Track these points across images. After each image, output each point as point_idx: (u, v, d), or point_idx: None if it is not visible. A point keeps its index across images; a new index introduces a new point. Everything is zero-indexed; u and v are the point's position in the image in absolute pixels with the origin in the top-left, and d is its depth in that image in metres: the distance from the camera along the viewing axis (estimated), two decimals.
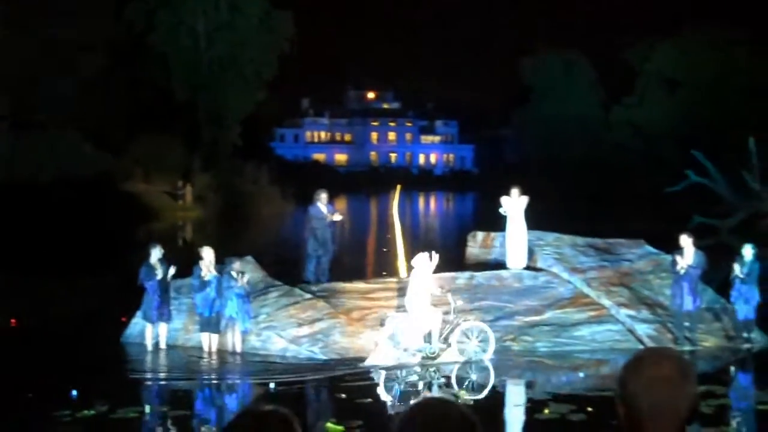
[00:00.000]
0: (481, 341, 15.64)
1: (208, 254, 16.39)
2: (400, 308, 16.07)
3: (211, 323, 16.06)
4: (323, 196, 18.12)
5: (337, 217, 18.63)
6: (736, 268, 16.64)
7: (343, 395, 13.18)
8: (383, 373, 14.63)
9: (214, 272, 16.16)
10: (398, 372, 14.75)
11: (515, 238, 18.31)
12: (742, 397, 13.82)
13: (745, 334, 16.71)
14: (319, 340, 15.84)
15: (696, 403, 2.61)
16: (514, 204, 18.24)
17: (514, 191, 18.32)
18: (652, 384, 2.59)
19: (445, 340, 15.46)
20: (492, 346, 15.60)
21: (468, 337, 15.63)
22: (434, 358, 15.26)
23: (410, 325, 15.26)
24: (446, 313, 15.64)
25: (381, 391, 13.69)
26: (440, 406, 2.47)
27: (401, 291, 17.62)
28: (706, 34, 69.52)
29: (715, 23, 69.68)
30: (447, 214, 71.48)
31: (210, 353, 15.97)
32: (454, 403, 2.50)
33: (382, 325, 15.57)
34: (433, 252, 15.79)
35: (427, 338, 15.35)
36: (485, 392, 13.74)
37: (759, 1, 71.10)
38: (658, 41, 72.34)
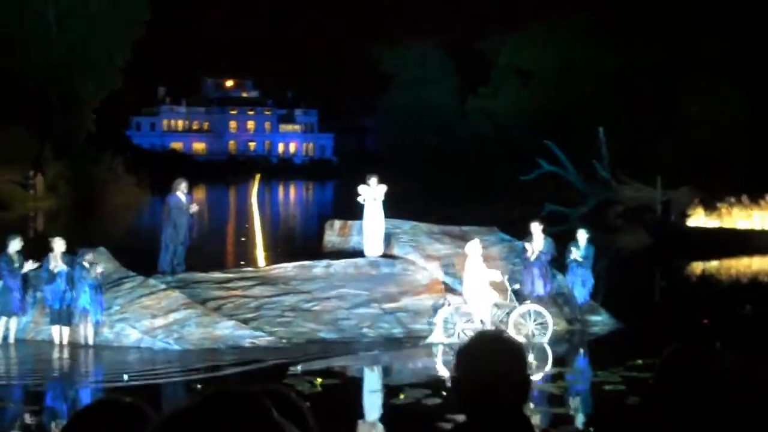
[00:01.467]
0: (538, 324, 16.21)
1: (58, 245, 15.95)
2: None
3: (62, 316, 15.65)
4: (183, 185, 17.76)
5: (194, 209, 18.37)
6: (574, 252, 17.18)
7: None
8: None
9: (63, 265, 15.72)
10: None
11: (372, 227, 18.46)
12: (586, 378, 14.28)
13: (581, 317, 17.30)
14: (174, 331, 15.63)
15: (528, 385, 2.69)
16: (371, 192, 18.37)
17: (372, 180, 18.47)
18: (484, 367, 2.66)
19: (502, 323, 16.07)
20: (551, 329, 16.19)
21: (525, 320, 16.21)
22: None
23: (465, 308, 16.13)
24: (503, 299, 16.40)
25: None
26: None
27: (259, 280, 17.59)
28: (554, 24, 71.18)
29: (561, 13, 71.36)
30: (306, 203, 71.44)
31: (61, 346, 15.58)
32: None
33: (440, 306, 16.35)
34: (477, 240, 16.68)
35: (482, 322, 15.94)
36: (338, 377, 13.79)
37: None
38: (509, 32, 73.72)
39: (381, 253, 18.56)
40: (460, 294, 16.54)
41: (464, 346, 2.77)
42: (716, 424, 2.74)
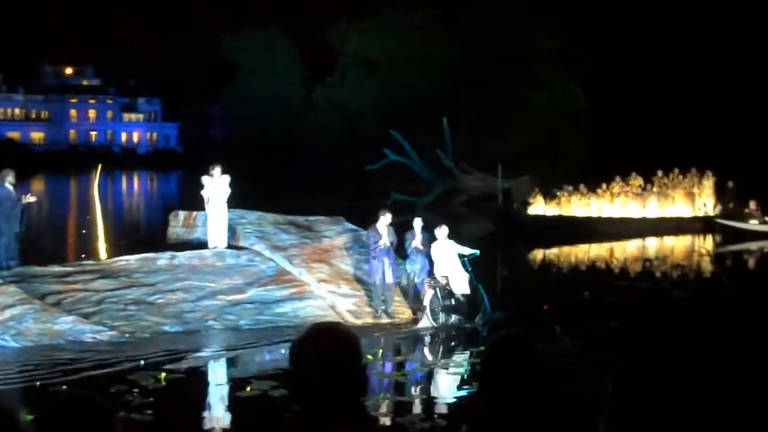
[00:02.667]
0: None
1: None
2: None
3: None
4: (10, 176, 16.98)
5: (31, 199, 17.74)
6: (418, 240, 17.41)
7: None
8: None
9: None
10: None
11: (216, 218, 18.27)
12: (430, 365, 14.50)
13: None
14: (11, 328, 15.06)
15: (361, 375, 2.70)
16: (215, 183, 18.17)
17: (215, 170, 18.27)
18: (316, 359, 2.65)
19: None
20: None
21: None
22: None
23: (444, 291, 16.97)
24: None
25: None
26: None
27: (101, 273, 17.16)
28: (399, 15, 71.83)
29: (407, 4, 72.13)
30: (151, 194, 70.07)
31: None
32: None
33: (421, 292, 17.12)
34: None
35: (462, 296, 16.94)
36: (183, 371, 13.58)
37: None
38: (356, 21, 74.00)
39: (226, 245, 18.39)
40: (433, 277, 17.16)
41: (298, 338, 2.76)
42: (533, 405, 2.83)
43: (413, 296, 17.49)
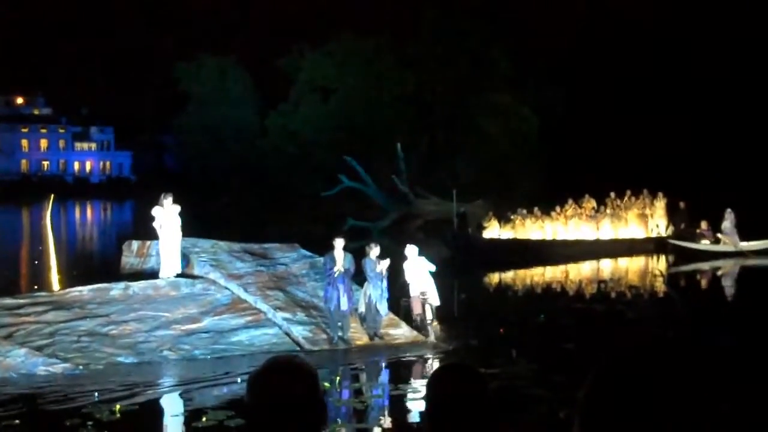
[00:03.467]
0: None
1: None
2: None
3: None
4: None
5: None
6: (378, 266, 17.29)
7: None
8: None
9: None
10: None
11: (168, 247, 18.15)
12: (388, 392, 14.45)
13: (380, 331, 17.58)
14: None
15: (319, 406, 2.68)
16: (166, 212, 18.07)
17: (167, 200, 18.17)
18: (276, 389, 2.63)
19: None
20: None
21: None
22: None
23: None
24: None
25: None
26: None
27: (54, 304, 16.96)
28: (353, 42, 72.21)
29: (359, 32, 72.59)
30: (104, 224, 69.41)
31: None
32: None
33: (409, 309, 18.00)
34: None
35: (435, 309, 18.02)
36: (138, 403, 13.43)
37: (396, 9, 74.89)
38: (307, 50, 74.23)
39: (177, 273, 18.28)
40: (413, 296, 17.94)
41: (255, 371, 2.74)
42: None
43: (371, 322, 17.46)
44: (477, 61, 67.20)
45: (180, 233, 18.18)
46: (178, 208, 18.18)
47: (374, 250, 17.32)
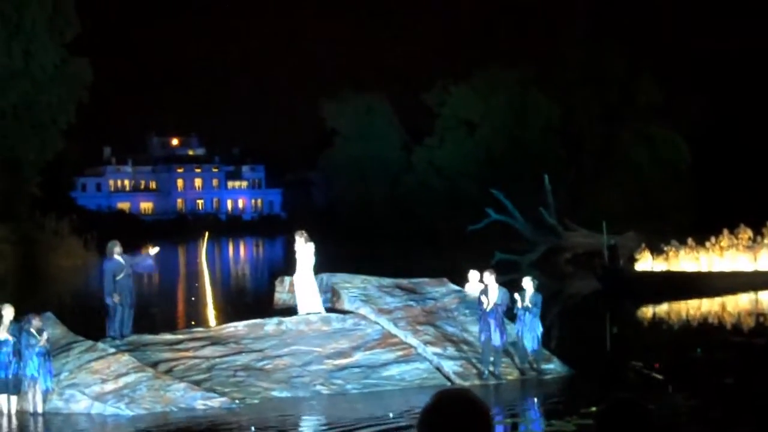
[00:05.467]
0: None
1: (7, 312, 15.61)
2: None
3: (9, 385, 15.32)
4: (117, 248, 17.32)
5: (154, 250, 18.24)
6: (522, 300, 17.23)
7: None
8: None
9: (7, 334, 15.38)
10: None
11: (302, 284, 18.18)
12: (540, 428, 14.25)
13: (534, 365, 17.35)
14: (125, 396, 15.36)
15: None
16: (299, 250, 18.10)
17: (301, 238, 18.18)
18: (451, 426, 2.65)
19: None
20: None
21: None
22: None
23: None
24: None
25: None
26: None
27: (210, 340, 17.40)
28: (496, 75, 72.13)
29: (504, 65, 72.41)
30: (257, 260, 71.04)
31: (9, 416, 15.23)
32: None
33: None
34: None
35: None
36: None
37: (542, 41, 74.42)
38: (451, 84, 74.54)
39: (318, 310, 18.27)
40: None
41: (429, 405, 2.76)
42: None
43: (526, 357, 17.29)
44: (624, 90, 66.18)
45: (311, 271, 18.11)
46: (312, 245, 18.14)
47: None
